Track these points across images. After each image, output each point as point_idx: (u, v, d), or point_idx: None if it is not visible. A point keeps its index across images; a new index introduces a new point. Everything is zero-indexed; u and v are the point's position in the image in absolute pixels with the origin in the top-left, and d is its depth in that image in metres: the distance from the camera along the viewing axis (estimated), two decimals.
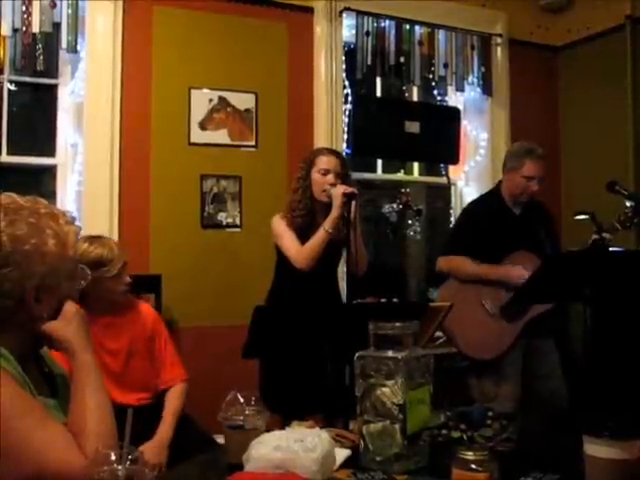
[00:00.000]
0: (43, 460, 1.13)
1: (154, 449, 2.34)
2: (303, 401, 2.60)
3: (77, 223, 1.35)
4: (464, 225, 3.29)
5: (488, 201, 3.29)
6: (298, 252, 2.73)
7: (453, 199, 4.63)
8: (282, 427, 1.52)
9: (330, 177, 2.79)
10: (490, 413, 1.61)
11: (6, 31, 3.31)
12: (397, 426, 1.34)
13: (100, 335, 2.47)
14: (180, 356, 2.70)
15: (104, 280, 2.41)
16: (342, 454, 1.40)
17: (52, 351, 1.35)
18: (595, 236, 2.89)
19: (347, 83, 4.14)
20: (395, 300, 2.43)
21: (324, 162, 2.82)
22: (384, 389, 1.36)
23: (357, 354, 1.41)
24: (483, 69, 4.47)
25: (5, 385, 1.14)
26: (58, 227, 1.29)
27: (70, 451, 1.15)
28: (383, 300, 2.50)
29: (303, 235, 2.76)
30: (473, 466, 1.12)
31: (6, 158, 3.50)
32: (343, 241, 2.64)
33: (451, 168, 4.40)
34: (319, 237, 2.69)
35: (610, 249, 2.84)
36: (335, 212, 2.66)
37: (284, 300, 2.80)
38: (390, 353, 1.37)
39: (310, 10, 4.02)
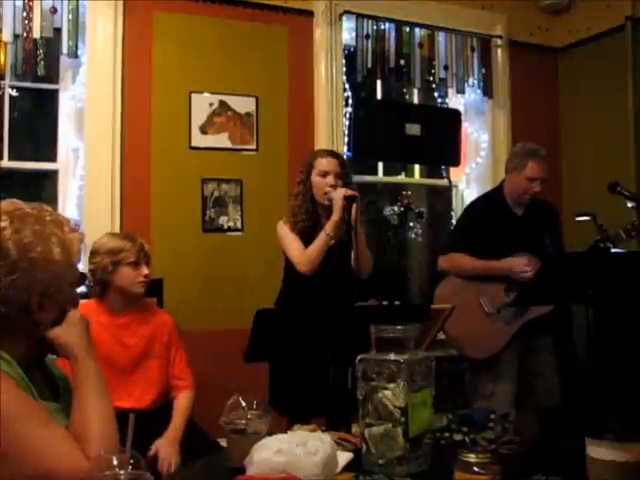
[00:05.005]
0: (46, 464, 1.13)
1: (166, 446, 2.38)
2: (307, 404, 2.60)
3: (81, 230, 1.36)
4: (464, 224, 3.28)
5: (489, 201, 3.29)
6: (300, 256, 2.73)
7: (454, 201, 4.63)
8: (285, 431, 1.52)
9: (330, 178, 2.78)
10: (492, 415, 1.61)
11: (7, 37, 3.32)
12: (399, 429, 1.34)
13: (118, 332, 2.54)
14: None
15: (123, 266, 2.50)
16: (344, 457, 1.39)
17: (59, 359, 1.35)
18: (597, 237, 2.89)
19: (347, 86, 4.14)
20: (397, 303, 2.42)
21: (323, 164, 2.81)
22: (386, 392, 1.35)
23: (359, 357, 1.41)
24: (483, 71, 4.47)
25: (6, 389, 1.14)
26: (63, 234, 1.29)
27: (73, 455, 1.15)
28: (385, 303, 2.49)
29: (308, 239, 2.76)
30: (475, 469, 1.12)
31: (8, 163, 3.51)
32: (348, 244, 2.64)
33: (452, 170, 4.39)
34: (320, 241, 2.69)
35: (611, 250, 2.84)
36: (336, 215, 2.66)
37: (293, 304, 2.79)
38: (392, 356, 1.37)
39: (310, 13, 4.02)
